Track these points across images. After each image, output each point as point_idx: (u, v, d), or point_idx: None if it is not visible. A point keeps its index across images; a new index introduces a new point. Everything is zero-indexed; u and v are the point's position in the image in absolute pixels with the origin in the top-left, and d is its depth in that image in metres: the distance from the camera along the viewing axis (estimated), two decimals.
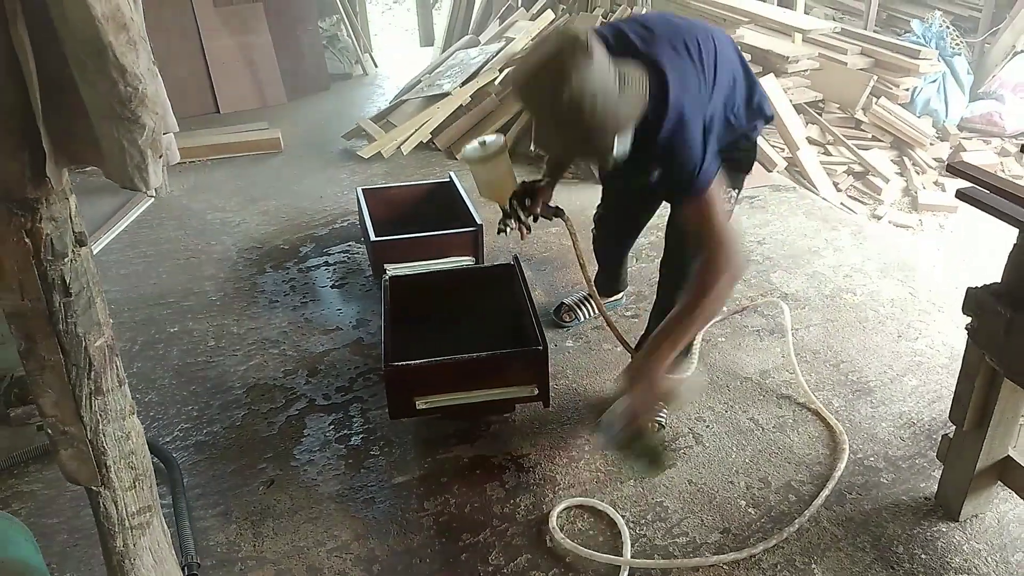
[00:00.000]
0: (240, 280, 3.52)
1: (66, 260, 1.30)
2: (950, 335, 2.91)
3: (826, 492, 2.22)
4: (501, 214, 2.45)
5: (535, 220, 2.45)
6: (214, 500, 2.32)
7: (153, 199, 4.30)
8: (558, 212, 2.45)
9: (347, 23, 6.76)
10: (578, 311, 3.07)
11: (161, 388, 2.81)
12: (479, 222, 3.32)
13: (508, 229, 2.44)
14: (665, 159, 1.89)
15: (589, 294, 2.63)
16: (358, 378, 2.84)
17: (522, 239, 2.52)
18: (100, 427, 1.43)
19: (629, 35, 1.95)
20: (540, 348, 2.33)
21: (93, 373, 1.38)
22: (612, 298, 3.12)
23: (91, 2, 1.08)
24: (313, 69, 6.26)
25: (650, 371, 1.86)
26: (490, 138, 2.32)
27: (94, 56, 1.11)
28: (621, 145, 1.78)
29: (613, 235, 2.82)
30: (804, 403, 2.59)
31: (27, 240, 1.25)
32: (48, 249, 1.27)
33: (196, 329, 3.16)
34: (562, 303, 3.10)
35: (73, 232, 1.31)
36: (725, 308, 3.05)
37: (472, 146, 2.32)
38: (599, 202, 2.80)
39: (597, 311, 2.66)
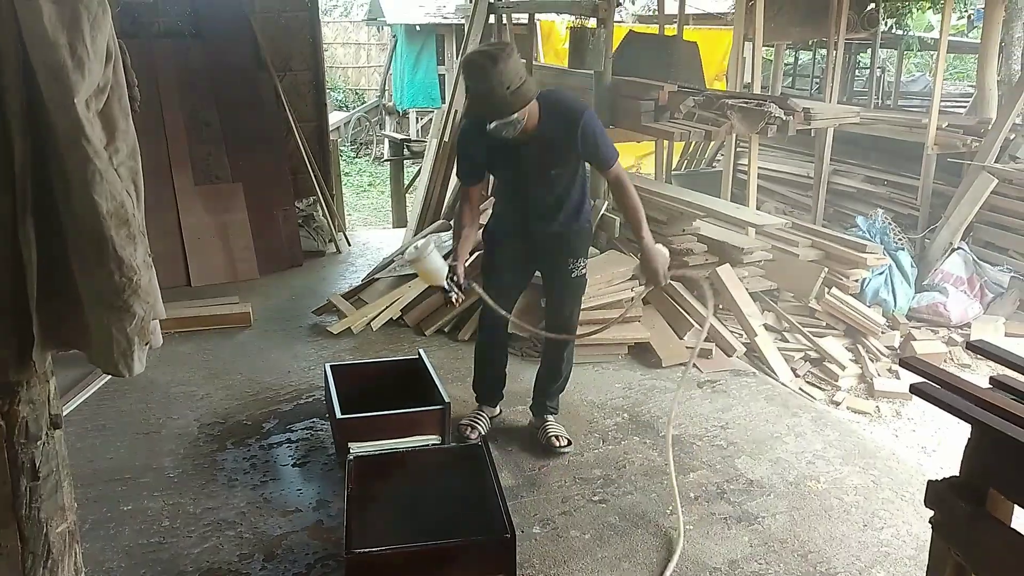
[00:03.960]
0: (200, 456, 3.45)
1: (39, 443, 1.29)
2: (915, 525, 2.92)
3: None
4: (447, 303, 3.05)
5: (462, 291, 3.03)
6: None
7: None
8: (469, 285, 3.07)
9: (323, 203, 7.02)
10: (476, 425, 3.47)
11: (110, 572, 2.67)
12: (447, 400, 3.33)
13: (453, 298, 3.00)
14: (589, 139, 2.94)
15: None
16: (316, 564, 2.74)
17: (455, 306, 3.07)
18: None
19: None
20: (508, 536, 2.30)
21: (50, 562, 1.34)
22: (494, 412, 3.63)
23: (98, 200, 1.16)
24: (287, 246, 6.42)
25: (649, 245, 3.01)
26: (421, 242, 3.01)
27: (95, 248, 1.18)
28: (505, 121, 2.77)
29: (504, 286, 3.32)
30: None
31: (2, 422, 1.25)
32: (22, 432, 1.27)
33: (151, 508, 3.05)
34: (459, 424, 3.46)
35: (49, 415, 1.32)
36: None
37: (410, 250, 3.03)
38: (484, 278, 3.34)
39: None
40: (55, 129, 1.15)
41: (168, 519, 2.98)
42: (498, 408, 3.68)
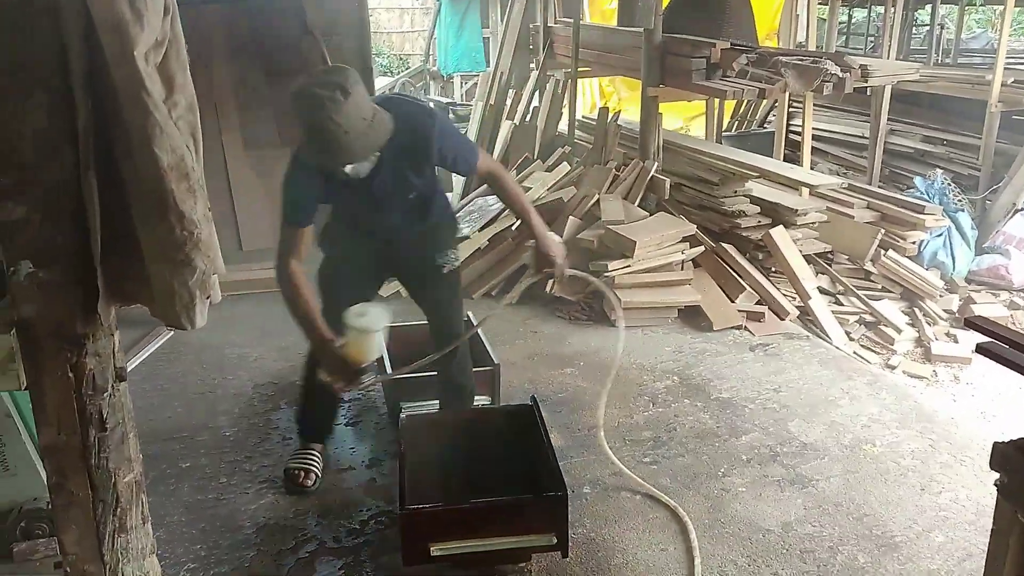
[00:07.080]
0: (255, 416, 3.52)
1: (105, 395, 1.32)
2: (975, 490, 2.86)
3: None
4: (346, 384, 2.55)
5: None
6: None
7: (172, 333, 4.34)
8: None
9: None
10: (309, 467, 2.97)
11: (170, 525, 2.75)
12: (496, 362, 3.34)
13: (366, 381, 2.61)
14: (448, 146, 2.54)
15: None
16: (370, 520, 2.78)
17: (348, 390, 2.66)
18: (120, 566, 1.40)
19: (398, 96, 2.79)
20: (560, 494, 2.30)
21: (119, 510, 1.37)
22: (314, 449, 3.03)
23: (158, 153, 1.16)
24: None
25: (542, 232, 2.68)
26: (373, 308, 2.48)
27: (156, 202, 1.18)
28: (364, 161, 2.35)
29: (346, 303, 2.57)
30: (827, 558, 2.52)
31: (70, 375, 1.28)
32: (89, 384, 1.30)
33: (208, 465, 3.13)
34: (288, 469, 2.97)
35: (115, 367, 1.34)
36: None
37: (356, 310, 2.45)
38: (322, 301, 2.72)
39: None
40: (116, 83, 1.16)
41: (225, 476, 3.05)
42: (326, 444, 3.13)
